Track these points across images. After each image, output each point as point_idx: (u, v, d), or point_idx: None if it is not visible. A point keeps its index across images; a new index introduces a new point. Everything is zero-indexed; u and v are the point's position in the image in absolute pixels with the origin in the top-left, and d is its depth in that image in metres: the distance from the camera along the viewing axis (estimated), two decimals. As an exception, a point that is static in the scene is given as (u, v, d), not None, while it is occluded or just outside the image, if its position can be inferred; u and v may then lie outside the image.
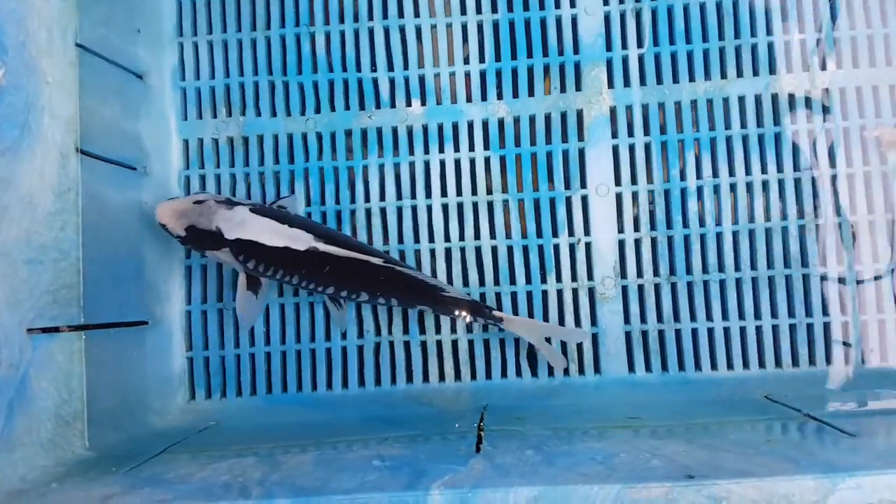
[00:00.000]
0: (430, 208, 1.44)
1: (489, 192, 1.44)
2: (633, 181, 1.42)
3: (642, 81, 1.44)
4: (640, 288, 1.41)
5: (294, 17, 1.48)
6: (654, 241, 1.41)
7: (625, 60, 1.44)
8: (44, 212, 1.14)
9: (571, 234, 1.42)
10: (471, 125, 1.45)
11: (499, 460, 0.97)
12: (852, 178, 1.39)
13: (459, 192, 1.44)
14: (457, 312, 1.34)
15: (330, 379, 1.42)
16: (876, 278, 1.37)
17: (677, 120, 1.43)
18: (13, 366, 1.05)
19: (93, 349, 1.22)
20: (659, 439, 1.08)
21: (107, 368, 1.25)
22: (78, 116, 1.23)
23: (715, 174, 1.41)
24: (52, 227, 1.16)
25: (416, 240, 1.44)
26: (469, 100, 1.46)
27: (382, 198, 1.45)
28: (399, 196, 1.45)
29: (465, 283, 1.42)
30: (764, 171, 1.40)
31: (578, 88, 1.44)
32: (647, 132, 1.43)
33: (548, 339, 1.35)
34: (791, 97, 1.41)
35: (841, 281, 1.38)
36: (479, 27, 1.46)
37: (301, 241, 1.29)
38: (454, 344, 1.41)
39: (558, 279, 1.42)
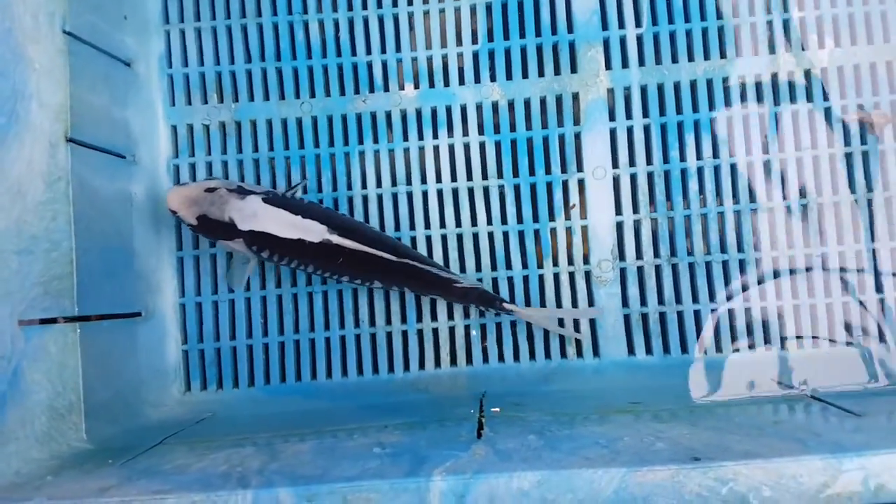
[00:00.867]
0: (425, 194, 1.42)
1: (485, 176, 1.42)
2: (632, 163, 1.41)
3: (641, 62, 1.42)
4: (640, 270, 1.39)
5: (286, 5, 1.45)
6: (654, 223, 1.40)
7: (622, 41, 1.42)
8: (34, 201, 1.12)
9: (568, 218, 1.41)
10: (464, 109, 1.43)
11: (501, 445, 0.96)
12: (850, 157, 1.38)
13: (455, 178, 1.42)
14: (469, 302, 1.37)
15: (329, 368, 1.40)
16: (873, 262, 1.36)
17: (676, 101, 1.41)
18: (5, 358, 1.04)
19: (86, 341, 1.20)
20: (662, 423, 1.07)
21: (101, 360, 1.24)
22: (68, 105, 1.21)
23: (715, 155, 1.40)
24: (42, 216, 1.14)
25: (412, 227, 1.42)
26: (462, 82, 1.44)
27: (379, 184, 1.43)
28: (394, 182, 1.43)
29: (462, 269, 1.41)
30: (765, 150, 1.39)
31: (574, 70, 1.42)
32: (645, 114, 1.41)
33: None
34: (790, 76, 1.40)
35: (842, 261, 1.36)
36: (473, 10, 1.44)
37: (315, 233, 1.28)
38: (451, 330, 1.40)
39: (555, 263, 1.41)
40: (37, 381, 1.10)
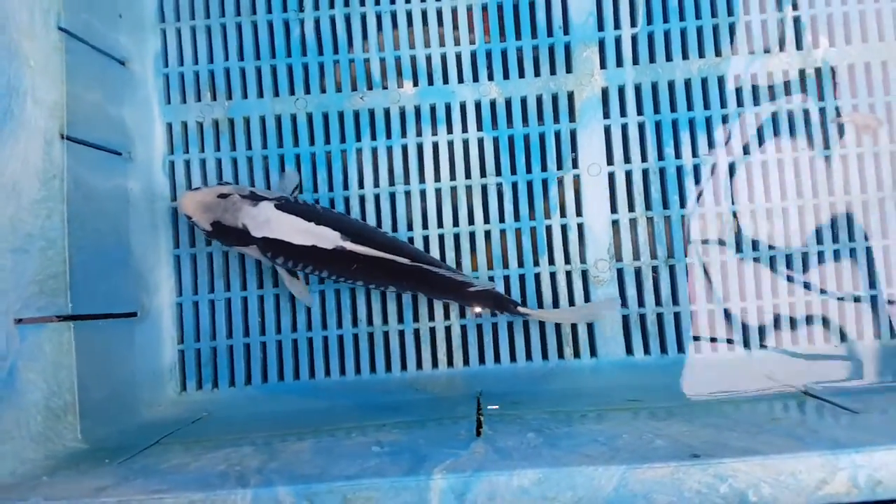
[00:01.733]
0: (423, 193, 1.42)
1: (483, 174, 1.42)
2: (627, 160, 1.41)
3: (635, 61, 1.42)
4: (637, 271, 1.39)
5: (281, 3, 1.45)
6: (650, 222, 1.40)
7: (617, 41, 1.43)
8: (29, 199, 1.12)
9: (563, 215, 1.41)
10: (463, 106, 1.43)
11: (500, 443, 0.96)
12: (845, 158, 1.38)
13: (453, 176, 1.42)
14: (483, 307, 1.37)
15: (328, 367, 1.40)
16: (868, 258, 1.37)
17: (671, 99, 1.41)
18: (0, 357, 1.03)
19: (81, 340, 1.20)
20: (660, 420, 1.07)
21: (96, 360, 1.23)
22: (64, 102, 1.20)
23: (710, 153, 1.40)
24: (37, 214, 1.13)
25: (410, 227, 1.42)
26: (461, 80, 1.44)
27: (376, 183, 1.43)
28: (392, 181, 1.43)
29: (458, 268, 1.40)
30: (760, 149, 1.39)
31: (569, 70, 1.43)
32: (640, 112, 1.41)
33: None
34: (786, 74, 1.40)
35: (836, 258, 1.37)
36: (469, 9, 1.44)
37: (328, 239, 1.28)
38: (447, 330, 1.40)
39: (551, 262, 1.41)
40: (32, 380, 1.09)
